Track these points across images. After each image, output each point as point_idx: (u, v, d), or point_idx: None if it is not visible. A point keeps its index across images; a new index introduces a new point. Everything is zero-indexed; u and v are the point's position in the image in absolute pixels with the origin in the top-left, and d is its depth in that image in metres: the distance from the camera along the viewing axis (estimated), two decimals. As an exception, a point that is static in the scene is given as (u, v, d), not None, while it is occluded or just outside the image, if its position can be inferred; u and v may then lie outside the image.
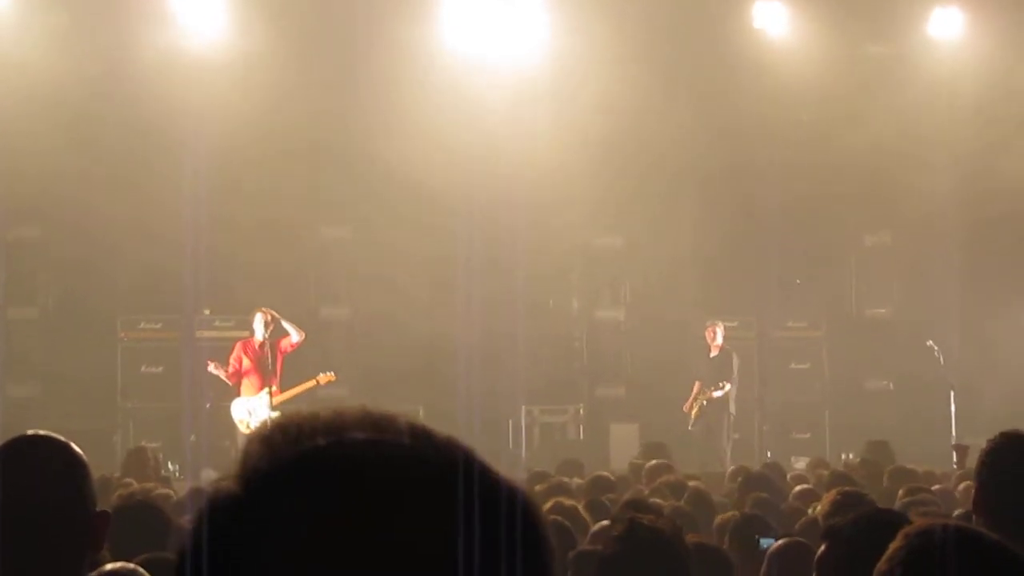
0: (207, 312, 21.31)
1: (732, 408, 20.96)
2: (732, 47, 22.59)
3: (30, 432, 3.55)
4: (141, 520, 6.56)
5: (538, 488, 11.16)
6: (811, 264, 23.39)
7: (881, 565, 3.12)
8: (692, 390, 21.10)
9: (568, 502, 8.69)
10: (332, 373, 19.27)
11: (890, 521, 4.26)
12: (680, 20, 22.05)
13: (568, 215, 21.93)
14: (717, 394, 20.81)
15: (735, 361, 21.08)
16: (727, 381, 20.89)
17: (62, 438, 3.50)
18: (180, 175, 20.43)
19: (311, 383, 19.17)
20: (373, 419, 1.36)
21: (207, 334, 21.22)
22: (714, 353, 21.13)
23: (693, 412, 20.96)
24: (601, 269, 23.06)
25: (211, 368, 19.04)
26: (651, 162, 21.94)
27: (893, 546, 3.15)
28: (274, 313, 19.08)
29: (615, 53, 21.63)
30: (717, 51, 22.43)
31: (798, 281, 23.38)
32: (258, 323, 18.97)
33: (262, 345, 18.92)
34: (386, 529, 1.27)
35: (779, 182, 22.35)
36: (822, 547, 4.53)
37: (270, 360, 18.86)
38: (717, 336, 21.15)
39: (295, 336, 19.09)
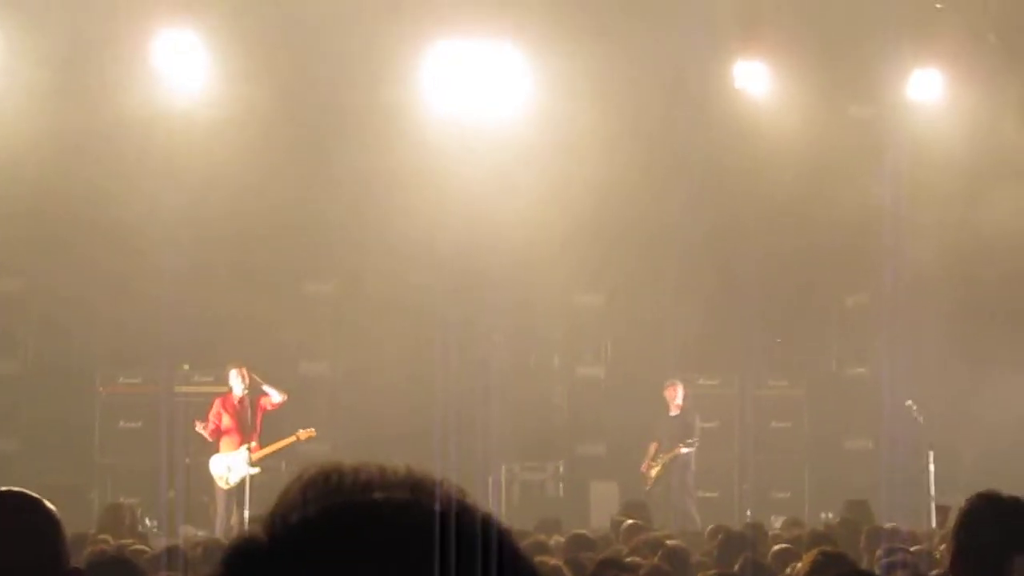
0: (186, 367, 21.26)
1: (692, 466, 20.85)
2: (713, 106, 22.68)
3: (2, 488, 3.52)
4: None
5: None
6: (792, 323, 23.42)
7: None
8: (649, 451, 20.98)
9: (551, 561, 8.65)
10: (312, 429, 19.21)
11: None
12: (661, 79, 22.14)
13: (550, 273, 21.94)
14: (685, 451, 20.67)
15: (697, 421, 21.01)
16: (691, 439, 20.77)
17: (34, 494, 3.48)
18: (161, 230, 20.42)
19: (291, 439, 19.10)
20: (413, 480, 1.37)
21: (186, 389, 21.16)
22: (674, 412, 21.04)
23: (653, 472, 20.78)
24: (582, 327, 23.05)
25: (198, 427, 18.95)
26: (633, 220, 21.99)
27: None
28: (248, 373, 18.98)
29: (596, 112, 21.71)
30: (698, 110, 22.51)
31: (778, 340, 23.41)
32: (234, 379, 18.90)
33: (241, 400, 18.86)
34: None
35: (760, 241, 22.40)
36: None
37: (249, 416, 18.79)
38: (678, 395, 21.07)
39: (276, 397, 19.01)
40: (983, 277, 22.77)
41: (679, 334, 22.38)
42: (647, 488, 20.64)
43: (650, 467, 20.82)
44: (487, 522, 1.35)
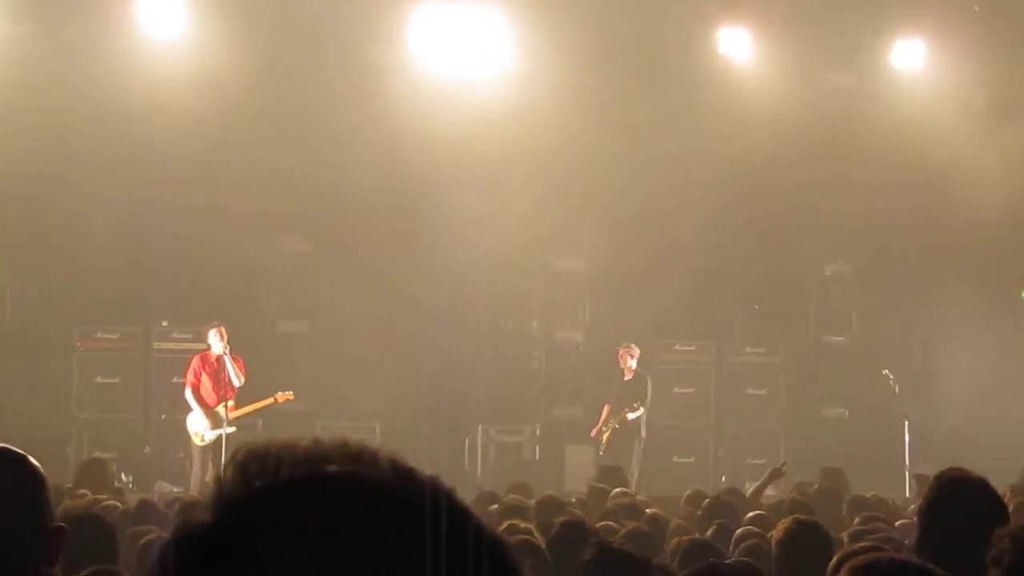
0: (165, 324, 21.24)
1: (643, 432, 20.76)
2: (696, 72, 22.66)
3: None
4: (86, 532, 6.50)
5: (491, 509, 11.13)
6: (770, 291, 23.47)
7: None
8: (601, 415, 20.96)
9: (523, 524, 8.67)
10: (291, 392, 19.21)
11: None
12: (644, 45, 22.11)
13: (529, 237, 21.93)
14: (631, 416, 20.59)
15: (649, 385, 20.93)
16: (641, 403, 20.68)
17: (19, 451, 3.47)
18: (140, 186, 20.38)
19: (269, 401, 19.11)
20: (353, 452, 1.32)
21: (164, 346, 21.15)
22: (628, 376, 20.99)
23: (604, 437, 20.76)
24: (561, 291, 23.06)
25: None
26: (613, 185, 21.98)
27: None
28: (227, 332, 18.91)
29: (578, 76, 21.67)
30: (681, 76, 22.49)
31: (757, 307, 23.46)
32: (213, 338, 18.85)
33: (219, 359, 18.83)
34: (359, 566, 1.24)
35: (740, 208, 22.42)
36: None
37: (231, 373, 18.75)
38: (630, 359, 20.98)
39: (236, 381, 18.87)
40: (962, 246, 22.82)
41: (657, 300, 22.41)
42: (601, 452, 20.59)
43: (600, 432, 20.78)
44: (435, 486, 1.32)
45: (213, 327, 18.88)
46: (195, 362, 19.02)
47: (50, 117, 20.42)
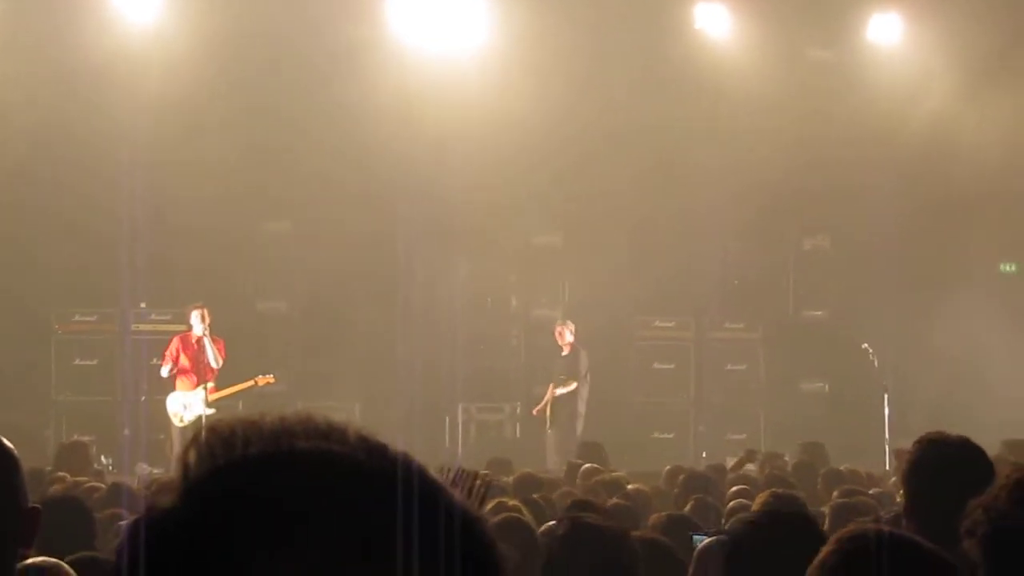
0: (143, 305, 21.17)
1: (581, 408, 20.71)
2: (673, 47, 22.64)
3: None
4: (64, 515, 6.47)
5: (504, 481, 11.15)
6: (749, 266, 23.49)
7: (813, 570, 3.12)
8: (546, 393, 20.74)
9: (510, 502, 8.66)
10: (271, 376, 19.15)
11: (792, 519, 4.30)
12: (621, 19, 22.07)
13: (507, 213, 21.93)
14: (560, 391, 20.54)
15: (583, 359, 20.84)
16: (573, 378, 20.64)
17: None
18: (117, 168, 20.28)
19: (249, 383, 19.06)
20: (320, 427, 1.29)
21: (143, 327, 21.10)
22: (565, 352, 20.96)
23: (547, 414, 20.74)
24: (540, 268, 23.04)
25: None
26: (590, 161, 21.95)
27: (825, 550, 3.15)
28: (208, 314, 18.87)
29: (555, 51, 21.64)
30: (657, 50, 22.48)
31: (736, 282, 23.48)
32: (195, 319, 18.82)
33: (199, 340, 18.78)
34: (330, 544, 1.21)
35: (718, 183, 22.40)
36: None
37: (209, 355, 18.72)
38: (566, 334, 20.95)
39: (213, 362, 18.84)
40: (941, 219, 22.85)
41: (636, 276, 22.40)
42: (548, 428, 20.55)
43: (542, 411, 20.76)
44: (407, 462, 1.28)
45: (196, 308, 18.83)
46: (175, 342, 18.98)
47: (24, 101, 20.33)
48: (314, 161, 21.23)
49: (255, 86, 21.15)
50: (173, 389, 18.93)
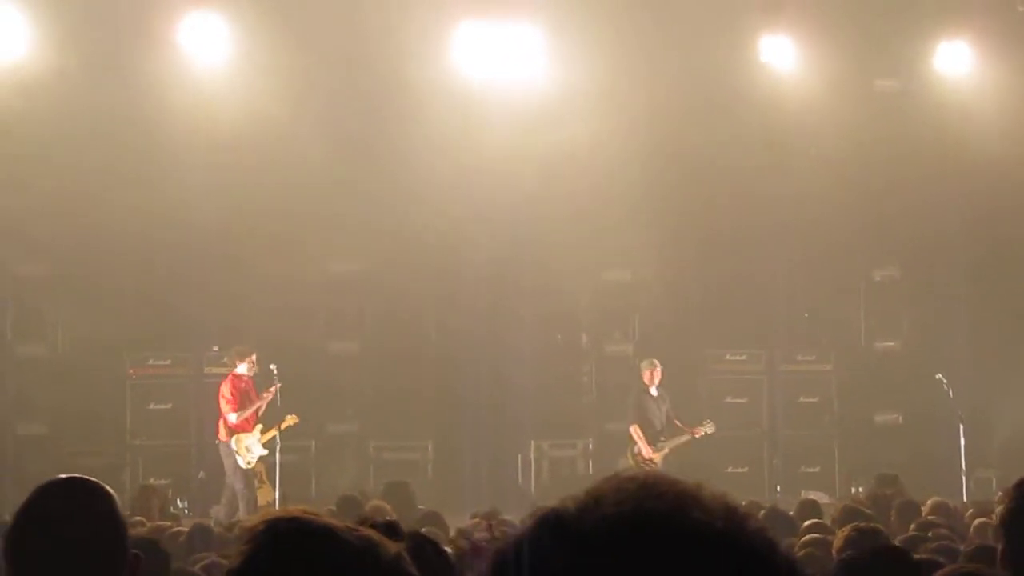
0: (216, 349, 21.28)
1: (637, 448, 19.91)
2: (739, 81, 22.57)
3: (63, 476, 3.55)
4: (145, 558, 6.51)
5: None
6: (820, 297, 23.38)
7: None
8: (634, 435, 19.77)
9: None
10: (295, 416, 18.98)
11: (899, 557, 4.25)
12: (687, 53, 22.07)
13: (576, 249, 21.92)
14: (704, 432, 19.93)
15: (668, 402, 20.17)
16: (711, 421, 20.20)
17: (96, 480, 3.50)
18: (190, 211, 20.45)
19: (275, 429, 18.82)
20: (727, 509, 1.39)
21: (216, 370, 21.19)
22: (655, 393, 20.05)
23: (659, 456, 19.67)
24: (610, 304, 23.01)
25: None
26: (659, 195, 21.91)
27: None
28: (256, 360, 18.91)
29: (622, 87, 21.67)
30: (724, 83, 22.42)
31: (806, 315, 23.37)
32: (244, 367, 18.82)
33: (247, 381, 18.81)
34: None
35: (787, 215, 22.34)
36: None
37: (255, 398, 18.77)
38: (656, 376, 20.05)
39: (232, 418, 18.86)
40: (1013, 248, 22.67)
41: (707, 310, 22.35)
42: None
43: (659, 451, 20.01)
44: (764, 535, 1.35)
45: (246, 358, 18.83)
46: (228, 386, 18.87)
47: (97, 143, 20.52)
48: (382, 200, 21.32)
49: (322, 127, 21.25)
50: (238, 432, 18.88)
